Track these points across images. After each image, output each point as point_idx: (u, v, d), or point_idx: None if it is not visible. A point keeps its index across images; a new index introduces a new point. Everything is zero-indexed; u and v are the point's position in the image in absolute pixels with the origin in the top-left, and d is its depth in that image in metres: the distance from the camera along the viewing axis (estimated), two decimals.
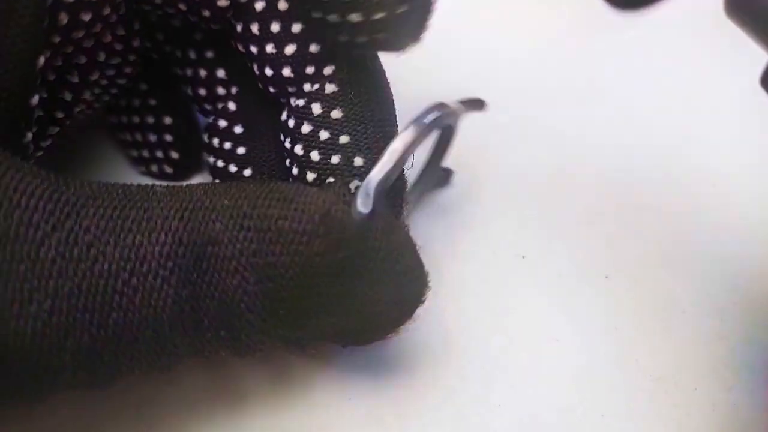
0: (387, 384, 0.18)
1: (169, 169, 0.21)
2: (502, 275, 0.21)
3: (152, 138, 0.21)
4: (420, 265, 0.16)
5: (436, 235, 0.21)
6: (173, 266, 0.13)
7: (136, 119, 0.20)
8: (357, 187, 0.16)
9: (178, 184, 0.15)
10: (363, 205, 0.15)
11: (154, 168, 0.21)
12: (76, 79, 0.16)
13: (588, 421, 0.18)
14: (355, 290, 0.15)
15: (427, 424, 0.18)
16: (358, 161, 0.16)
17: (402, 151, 0.15)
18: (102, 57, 0.16)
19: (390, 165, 0.15)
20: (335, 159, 0.16)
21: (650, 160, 0.24)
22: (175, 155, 0.21)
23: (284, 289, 0.14)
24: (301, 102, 0.17)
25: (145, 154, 0.21)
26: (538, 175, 0.23)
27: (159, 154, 0.21)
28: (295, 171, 0.17)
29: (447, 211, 0.22)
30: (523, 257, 0.21)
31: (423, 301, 0.16)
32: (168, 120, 0.20)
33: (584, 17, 0.27)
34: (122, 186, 0.14)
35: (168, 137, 0.21)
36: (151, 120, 0.20)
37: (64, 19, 0.14)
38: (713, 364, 0.19)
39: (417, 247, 0.16)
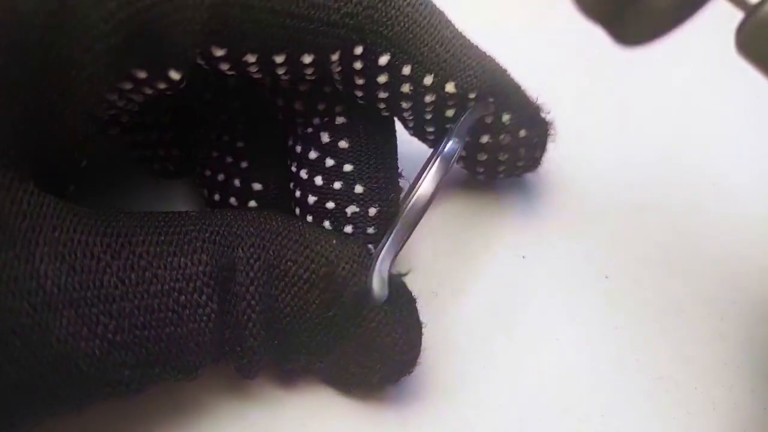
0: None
1: (171, 167, 0.21)
2: (502, 275, 0.21)
3: (153, 136, 0.21)
4: (412, 344, 0.16)
5: (437, 235, 0.21)
6: (214, 284, 0.15)
7: (136, 118, 0.20)
8: (354, 213, 0.17)
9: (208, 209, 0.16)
10: (379, 288, 0.15)
11: (157, 166, 0.21)
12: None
13: (588, 421, 0.18)
14: (341, 346, 0.16)
15: (427, 424, 0.18)
16: (359, 189, 0.17)
17: (415, 221, 0.16)
18: (125, 119, 0.17)
19: (400, 241, 0.15)
20: (337, 185, 0.17)
21: (650, 159, 0.24)
22: (176, 152, 0.21)
23: (280, 323, 0.16)
24: (309, 129, 0.17)
25: (147, 152, 0.21)
26: (538, 175, 0.23)
27: (161, 152, 0.21)
28: (297, 194, 0.18)
29: (447, 211, 0.22)
30: (523, 257, 0.21)
31: (410, 372, 0.17)
32: (168, 117, 0.20)
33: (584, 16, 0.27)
34: (160, 213, 0.15)
35: (169, 135, 0.20)
36: (151, 118, 0.20)
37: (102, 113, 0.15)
38: (713, 364, 0.19)
39: (417, 322, 0.16)
